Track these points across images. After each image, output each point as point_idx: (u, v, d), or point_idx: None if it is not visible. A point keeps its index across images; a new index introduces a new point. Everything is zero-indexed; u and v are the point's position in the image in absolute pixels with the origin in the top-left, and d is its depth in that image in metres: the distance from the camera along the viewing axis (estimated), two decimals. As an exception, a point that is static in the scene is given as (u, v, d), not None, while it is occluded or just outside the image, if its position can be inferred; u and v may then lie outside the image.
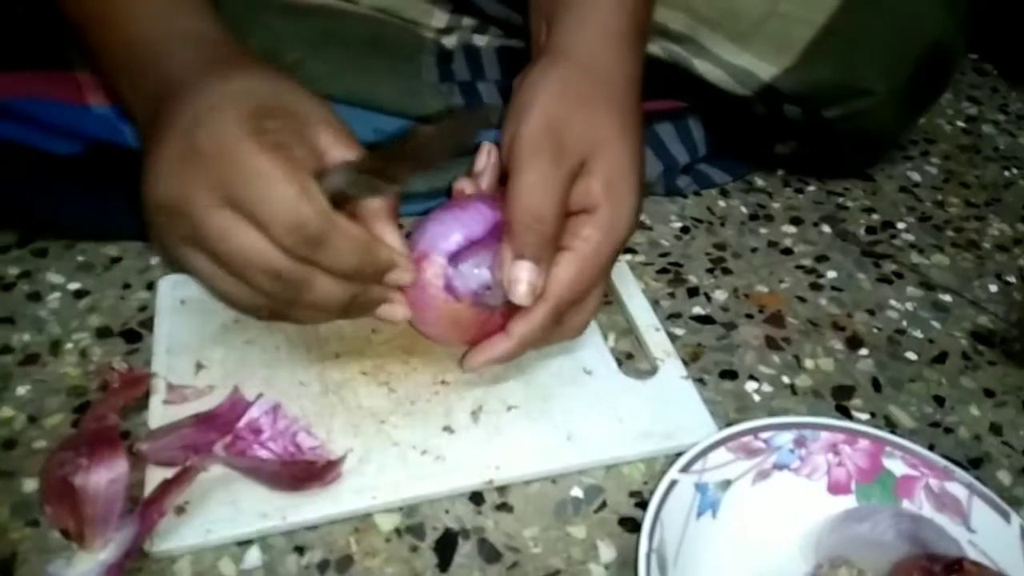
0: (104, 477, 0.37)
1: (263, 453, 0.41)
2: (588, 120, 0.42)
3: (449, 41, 0.62)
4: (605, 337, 0.52)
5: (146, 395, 0.45)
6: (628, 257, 0.59)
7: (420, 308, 0.43)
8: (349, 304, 0.40)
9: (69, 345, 0.49)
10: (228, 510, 0.40)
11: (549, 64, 0.44)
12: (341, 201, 0.38)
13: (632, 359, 0.51)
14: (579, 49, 0.44)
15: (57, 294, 0.52)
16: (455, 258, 0.42)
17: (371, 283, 0.41)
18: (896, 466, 0.41)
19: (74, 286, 0.53)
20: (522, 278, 0.40)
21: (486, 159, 0.46)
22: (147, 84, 0.41)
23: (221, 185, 0.35)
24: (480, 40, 0.63)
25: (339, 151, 0.39)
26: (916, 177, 0.72)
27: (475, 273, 0.42)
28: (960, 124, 0.80)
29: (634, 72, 0.46)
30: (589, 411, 0.46)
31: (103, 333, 0.50)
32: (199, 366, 0.47)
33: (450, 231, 0.43)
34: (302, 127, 0.39)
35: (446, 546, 0.41)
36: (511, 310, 0.42)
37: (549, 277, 0.41)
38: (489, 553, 0.40)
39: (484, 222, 0.43)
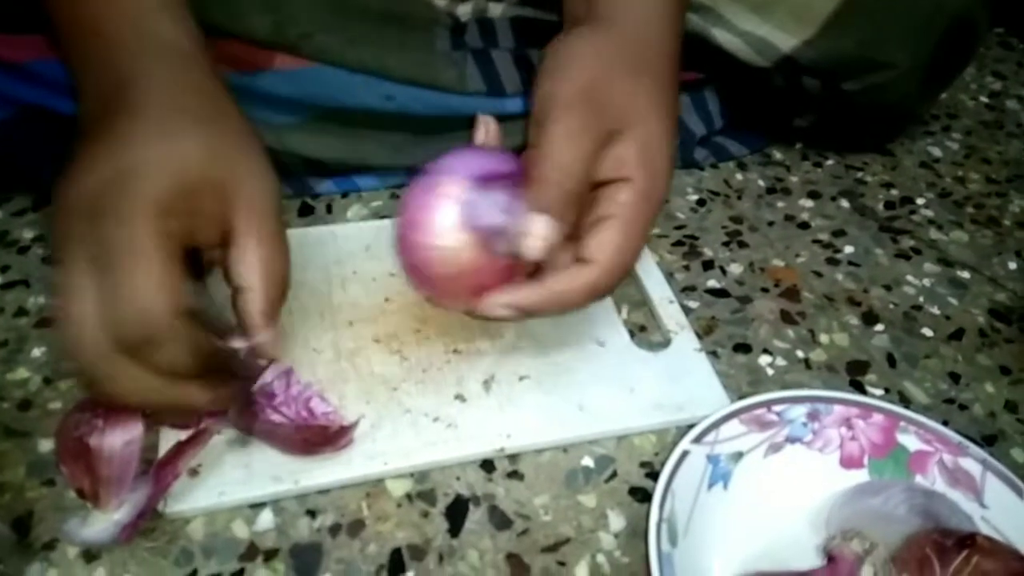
0: (119, 439, 0.37)
1: (276, 417, 0.41)
2: (628, 90, 0.41)
3: (463, 11, 0.61)
4: (618, 309, 0.51)
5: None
6: (643, 229, 0.58)
7: (424, 231, 0.40)
8: (153, 401, 0.37)
9: (84, 308, 0.49)
10: (241, 473, 0.40)
11: (591, 31, 0.43)
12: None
13: (645, 331, 0.51)
14: (625, 20, 0.43)
15: (72, 258, 0.53)
16: (473, 185, 0.39)
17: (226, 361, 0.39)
18: (910, 441, 0.41)
19: (89, 250, 0.53)
20: (538, 232, 0.38)
21: (484, 134, 0.46)
22: (104, 76, 0.39)
23: (96, 244, 0.33)
24: (495, 9, 0.62)
25: (250, 235, 0.37)
26: (937, 152, 0.70)
27: (489, 208, 0.39)
28: (983, 99, 0.79)
29: (674, 48, 0.45)
30: (601, 382, 0.46)
31: (117, 297, 0.50)
32: (213, 331, 0.47)
33: (473, 160, 0.41)
34: (221, 207, 0.36)
35: (457, 512, 0.41)
36: (510, 271, 0.40)
37: (595, 242, 0.40)
38: (500, 520, 0.41)
39: (507, 164, 0.41)
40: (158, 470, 0.38)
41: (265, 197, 0.38)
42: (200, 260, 0.39)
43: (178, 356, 0.35)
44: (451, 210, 0.39)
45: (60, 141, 0.52)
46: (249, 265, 0.37)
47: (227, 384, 0.39)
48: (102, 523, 0.36)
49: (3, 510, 0.39)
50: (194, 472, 0.40)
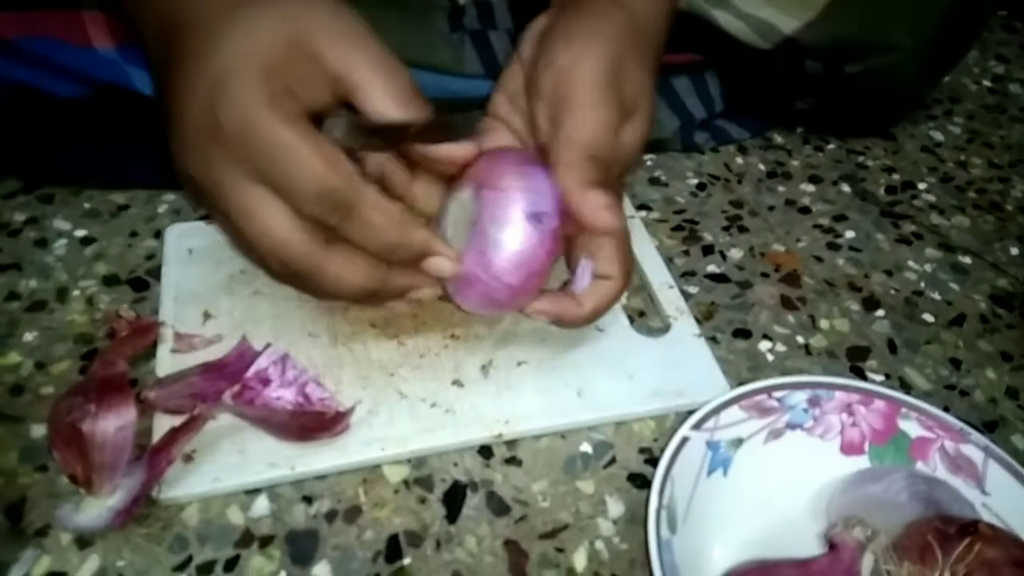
0: (112, 424, 0.37)
1: (272, 403, 0.41)
2: (640, 76, 0.42)
3: None
4: (617, 294, 0.51)
5: (154, 344, 0.44)
6: (643, 214, 0.58)
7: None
8: (372, 292, 0.39)
9: (76, 292, 0.49)
10: (236, 459, 0.40)
11: (606, 9, 0.42)
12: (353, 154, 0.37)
13: (644, 316, 0.50)
14: (634, 4, 0.43)
15: (64, 241, 0.52)
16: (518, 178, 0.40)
17: (404, 267, 0.39)
18: (911, 428, 0.41)
19: (81, 233, 0.53)
20: (605, 203, 0.38)
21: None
22: (160, 19, 0.39)
23: (246, 160, 0.34)
24: None
25: (360, 72, 0.37)
26: (939, 137, 0.70)
27: (539, 195, 0.39)
28: (986, 83, 0.78)
29: (664, 41, 0.46)
30: (600, 367, 0.46)
31: (110, 281, 0.50)
32: (207, 315, 0.46)
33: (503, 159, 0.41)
34: (313, 64, 0.36)
35: (454, 498, 0.40)
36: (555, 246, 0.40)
37: (606, 257, 0.42)
38: (497, 506, 0.40)
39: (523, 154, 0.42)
40: (152, 456, 0.38)
41: (352, 32, 0.37)
42: None
43: (372, 218, 0.36)
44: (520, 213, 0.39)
45: (50, 122, 0.52)
46: (382, 96, 0.36)
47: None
48: (95, 509, 0.36)
49: (-5, 496, 0.38)
50: (188, 458, 0.40)
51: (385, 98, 0.36)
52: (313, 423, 0.40)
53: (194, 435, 0.39)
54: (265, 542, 0.38)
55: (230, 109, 0.34)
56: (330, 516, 0.39)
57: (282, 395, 0.41)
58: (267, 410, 0.41)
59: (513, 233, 0.39)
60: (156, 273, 0.49)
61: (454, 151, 0.39)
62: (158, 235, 0.52)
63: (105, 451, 0.36)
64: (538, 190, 0.39)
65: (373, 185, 0.36)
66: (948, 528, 0.34)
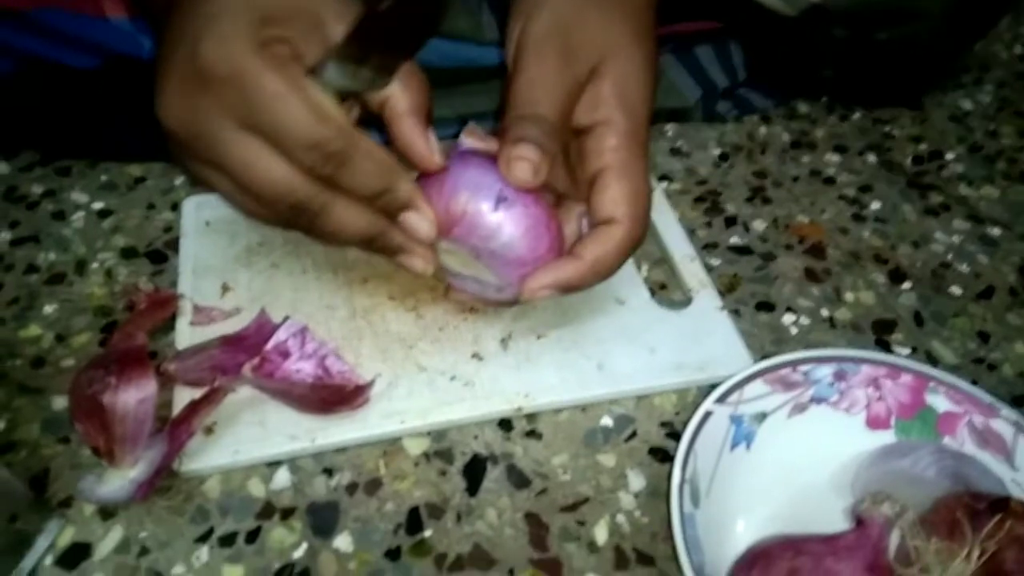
0: (133, 396, 0.37)
1: (292, 376, 0.41)
2: (600, 24, 0.39)
3: None
4: (638, 267, 0.50)
5: (173, 316, 0.44)
6: (664, 185, 0.57)
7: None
8: (370, 239, 0.38)
9: (95, 265, 0.49)
10: (256, 431, 0.40)
11: None
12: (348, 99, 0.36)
13: (666, 289, 0.50)
14: None
15: (81, 213, 0.52)
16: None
17: (390, 216, 0.38)
18: (939, 402, 0.40)
19: (98, 205, 0.52)
20: (524, 155, 0.36)
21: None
22: None
23: (234, 108, 0.33)
24: None
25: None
26: (968, 105, 0.68)
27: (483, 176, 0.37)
28: (1017, 50, 0.75)
29: None
30: (621, 341, 0.45)
31: (128, 253, 0.49)
32: (225, 288, 0.46)
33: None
34: (314, 26, 0.35)
35: (475, 471, 0.40)
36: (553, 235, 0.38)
37: (606, 199, 0.38)
38: (518, 479, 0.40)
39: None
40: (173, 428, 0.38)
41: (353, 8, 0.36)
42: None
43: (368, 168, 0.35)
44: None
45: (66, 94, 0.51)
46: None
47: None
48: (118, 481, 0.36)
49: (19, 467, 0.39)
50: (209, 430, 0.40)
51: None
52: (333, 396, 0.40)
53: (214, 407, 0.39)
54: (286, 514, 0.38)
55: (214, 54, 0.33)
56: (351, 488, 0.39)
57: (302, 368, 0.41)
58: (287, 383, 0.40)
59: (498, 235, 0.37)
60: (174, 245, 0.49)
61: (424, 161, 0.37)
62: (175, 207, 0.52)
63: (126, 423, 0.36)
64: (486, 183, 0.37)
65: (364, 133, 0.35)
66: (978, 504, 0.33)
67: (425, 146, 0.37)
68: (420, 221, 0.37)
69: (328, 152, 0.34)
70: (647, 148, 0.40)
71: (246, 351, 0.41)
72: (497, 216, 0.36)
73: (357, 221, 0.37)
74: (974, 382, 0.41)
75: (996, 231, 0.56)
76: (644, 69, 0.40)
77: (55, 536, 0.37)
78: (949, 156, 0.63)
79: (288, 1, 0.35)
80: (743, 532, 0.37)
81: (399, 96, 0.37)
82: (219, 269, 0.47)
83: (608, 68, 0.39)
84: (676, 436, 0.42)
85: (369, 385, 0.41)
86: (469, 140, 0.39)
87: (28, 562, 0.35)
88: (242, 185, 0.35)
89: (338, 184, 0.35)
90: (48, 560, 0.36)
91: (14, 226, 0.51)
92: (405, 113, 0.37)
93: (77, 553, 0.36)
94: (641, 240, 0.40)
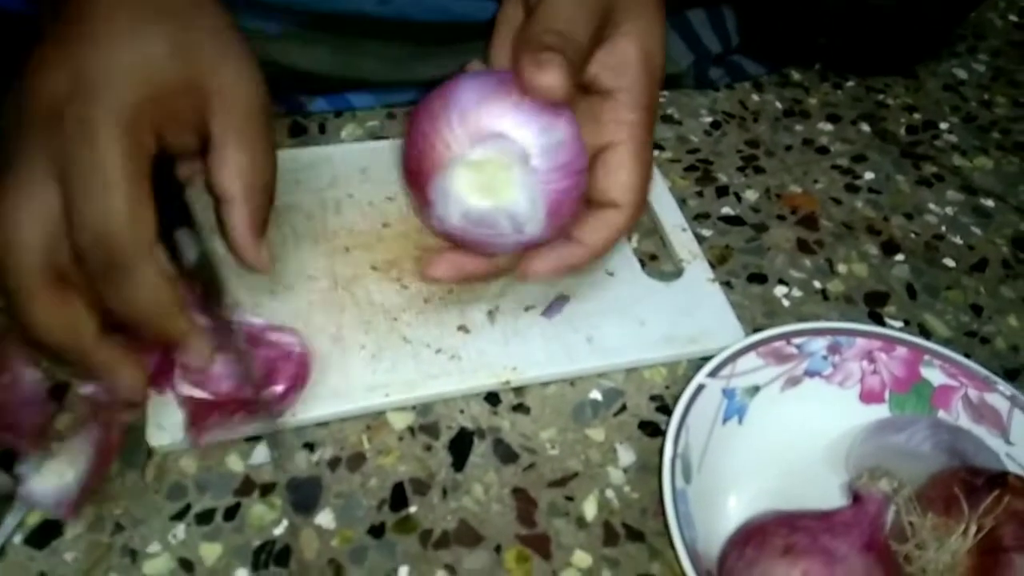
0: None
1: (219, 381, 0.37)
2: None
3: None
4: (628, 237, 0.49)
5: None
6: (655, 153, 0.56)
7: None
8: (70, 346, 0.33)
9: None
10: (235, 405, 0.38)
11: None
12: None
13: (656, 260, 0.49)
14: None
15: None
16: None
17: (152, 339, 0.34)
18: (934, 375, 0.39)
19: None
20: (549, 59, 0.32)
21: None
22: None
23: (58, 151, 0.30)
24: None
25: (229, 139, 0.34)
26: (962, 75, 0.67)
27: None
28: (1012, 18, 0.74)
29: None
30: (610, 313, 0.44)
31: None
32: (202, 257, 0.44)
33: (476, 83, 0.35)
34: (198, 111, 0.33)
35: (461, 446, 0.39)
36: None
37: (615, 183, 0.37)
38: (505, 453, 0.39)
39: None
40: (101, 442, 0.35)
41: (247, 97, 0.34)
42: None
43: (139, 292, 0.31)
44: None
45: (9, 42, 0.48)
46: (228, 172, 0.34)
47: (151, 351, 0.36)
48: (53, 479, 0.34)
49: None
50: (185, 404, 0.38)
51: (238, 211, 0.34)
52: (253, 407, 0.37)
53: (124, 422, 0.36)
54: (266, 490, 0.37)
55: (83, 106, 0.30)
56: (333, 463, 0.38)
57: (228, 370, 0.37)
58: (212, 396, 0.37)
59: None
60: (148, 213, 0.47)
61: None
62: (149, 173, 0.50)
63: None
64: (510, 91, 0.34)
65: (158, 265, 0.32)
66: (975, 480, 0.33)
67: (256, 256, 0.35)
68: (198, 355, 0.35)
69: (113, 255, 0.31)
70: (654, 127, 0.38)
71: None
72: (552, 115, 0.34)
73: (59, 326, 0.32)
74: (967, 355, 0.40)
75: (990, 202, 0.55)
76: (663, 30, 0.38)
77: (25, 514, 0.35)
78: (943, 126, 0.62)
79: (179, 77, 0.32)
80: (735, 508, 0.37)
81: (236, 204, 0.34)
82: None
83: (634, 26, 0.36)
84: (666, 410, 0.41)
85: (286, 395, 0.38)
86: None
87: (-4, 541, 0.34)
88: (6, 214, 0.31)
89: (104, 294, 0.32)
90: (17, 539, 0.35)
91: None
92: (240, 223, 0.35)
93: (47, 531, 0.35)
94: (637, 219, 0.39)
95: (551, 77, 0.32)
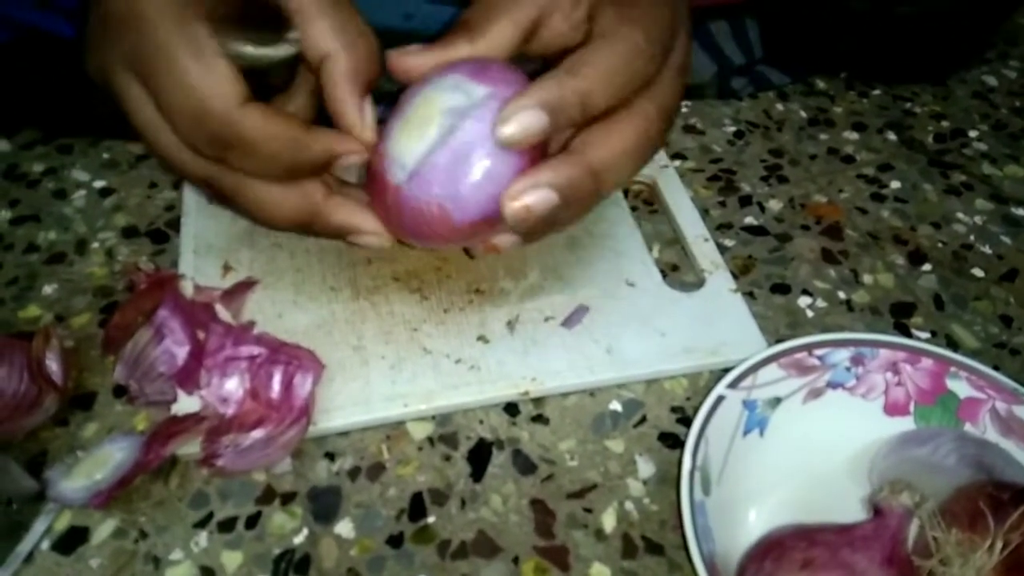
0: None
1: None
2: None
3: None
4: (649, 248, 0.49)
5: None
6: (677, 163, 0.55)
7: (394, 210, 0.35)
8: (303, 225, 0.34)
9: (95, 244, 0.48)
10: (257, 414, 0.39)
11: None
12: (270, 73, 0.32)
13: (678, 271, 0.48)
14: None
15: (82, 192, 0.51)
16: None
17: (317, 175, 0.34)
18: (960, 388, 0.39)
19: (99, 184, 0.52)
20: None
21: None
22: None
23: (127, 55, 0.30)
24: None
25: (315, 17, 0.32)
26: (992, 82, 0.66)
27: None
28: (1044, 24, 0.73)
29: None
30: (630, 324, 0.44)
31: (129, 233, 0.49)
32: (227, 268, 0.45)
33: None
34: None
35: (480, 456, 0.39)
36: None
37: (577, 71, 0.32)
38: (524, 464, 0.39)
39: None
40: (149, 442, 0.36)
41: None
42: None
43: (257, 153, 0.31)
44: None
45: (65, 67, 0.50)
46: (324, 29, 0.32)
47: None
48: (82, 480, 0.35)
49: (16, 450, 0.38)
50: (209, 413, 0.39)
51: (347, 64, 0.33)
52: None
53: (193, 437, 0.37)
54: (287, 499, 0.37)
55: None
56: (353, 473, 0.38)
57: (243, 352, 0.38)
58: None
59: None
60: (175, 225, 0.48)
61: (354, 133, 0.33)
62: (177, 186, 0.51)
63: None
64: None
65: (257, 107, 0.31)
66: (1001, 494, 0.32)
67: (357, 116, 0.33)
68: (351, 155, 0.33)
69: (211, 133, 0.30)
70: (669, 44, 0.34)
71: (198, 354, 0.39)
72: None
73: (279, 206, 0.33)
74: (996, 367, 0.39)
75: (1020, 211, 0.54)
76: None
77: (52, 521, 0.36)
78: (972, 134, 0.61)
79: None
80: (755, 521, 0.36)
81: (337, 58, 0.33)
82: (221, 249, 0.46)
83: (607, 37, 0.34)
84: (687, 422, 0.41)
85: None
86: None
87: (24, 547, 0.35)
88: (150, 151, 0.32)
89: (238, 167, 0.31)
90: (45, 545, 0.35)
91: (14, 205, 0.50)
92: (340, 78, 0.33)
93: (74, 538, 0.36)
94: (662, 140, 0.34)
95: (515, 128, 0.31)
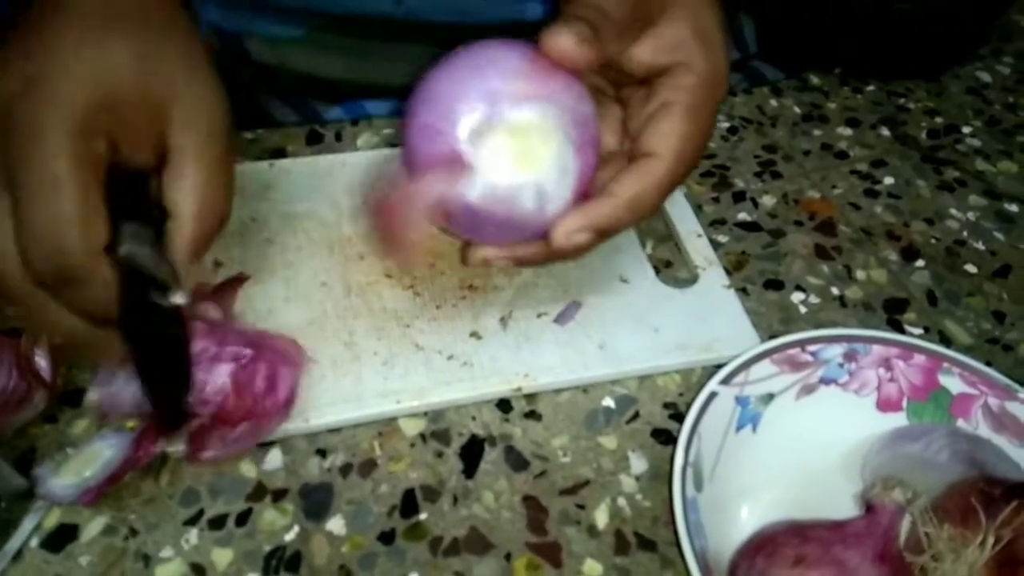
0: None
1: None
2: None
3: None
4: (643, 244, 0.49)
5: (164, 292, 0.43)
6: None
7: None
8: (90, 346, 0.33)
9: (85, 240, 0.47)
10: (248, 411, 0.39)
11: None
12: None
13: (671, 267, 0.48)
14: None
15: (72, 188, 0.50)
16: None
17: None
18: (953, 384, 0.39)
19: (89, 180, 0.51)
20: (573, 24, 0.31)
21: None
22: None
23: (8, 161, 0.29)
24: None
25: (186, 156, 0.32)
26: (986, 78, 0.66)
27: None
28: (1038, 20, 0.73)
29: None
30: (624, 320, 0.44)
31: (120, 228, 0.48)
32: (217, 264, 0.45)
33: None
34: (155, 124, 0.32)
35: (472, 453, 0.39)
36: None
37: (656, 133, 0.34)
38: (516, 461, 0.39)
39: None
40: (138, 440, 0.35)
41: (207, 114, 0.33)
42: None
43: (96, 299, 0.30)
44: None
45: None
46: (180, 189, 0.32)
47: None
48: (71, 478, 0.34)
49: (5, 447, 0.38)
50: (199, 410, 0.38)
51: (185, 230, 0.32)
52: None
53: (184, 435, 0.36)
54: (278, 496, 0.37)
55: (32, 106, 0.29)
56: (344, 470, 0.38)
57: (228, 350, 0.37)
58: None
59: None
60: (166, 220, 0.48)
61: None
62: (168, 181, 0.51)
63: None
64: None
65: (108, 276, 0.30)
66: (993, 490, 0.32)
67: (183, 278, 0.32)
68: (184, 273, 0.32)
69: (63, 271, 0.29)
70: (722, 99, 0.36)
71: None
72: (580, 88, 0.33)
73: (72, 329, 0.32)
74: (988, 363, 0.39)
75: (1013, 207, 0.54)
76: (719, 21, 0.36)
77: (41, 518, 0.36)
78: (966, 130, 0.61)
79: (137, 87, 0.31)
80: (747, 517, 0.36)
81: (183, 224, 0.32)
82: (212, 245, 0.46)
83: (679, 9, 0.35)
84: (680, 418, 0.41)
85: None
86: None
87: (13, 544, 0.35)
88: None
89: (60, 297, 0.31)
90: (34, 542, 0.35)
91: None
92: (183, 242, 0.32)
93: (63, 535, 0.35)
94: (676, 186, 0.36)
95: (567, 40, 0.32)
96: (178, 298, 0.31)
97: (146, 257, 0.31)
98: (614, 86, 0.39)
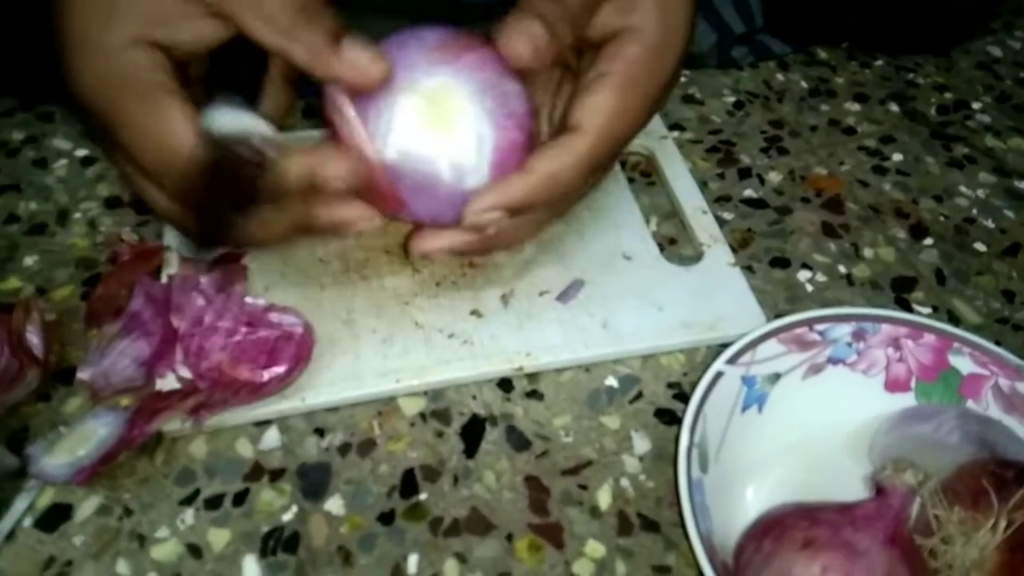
0: None
1: (214, 350, 0.37)
2: None
3: None
4: (647, 220, 0.48)
5: (158, 269, 0.42)
6: (675, 134, 0.54)
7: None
8: (298, 233, 0.34)
9: (77, 215, 0.46)
10: (244, 390, 0.38)
11: None
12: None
13: (675, 244, 0.47)
14: None
15: (64, 161, 0.50)
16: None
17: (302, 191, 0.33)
18: (963, 364, 0.38)
19: (81, 153, 0.50)
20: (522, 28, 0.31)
21: None
22: None
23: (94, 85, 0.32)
24: None
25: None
26: (996, 52, 0.65)
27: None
28: (1050, -6, 0.72)
29: None
30: (627, 298, 0.43)
31: (112, 203, 0.47)
32: (213, 240, 0.44)
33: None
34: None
35: (473, 432, 0.39)
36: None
37: (585, 105, 0.33)
38: (518, 441, 0.38)
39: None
40: (133, 419, 0.35)
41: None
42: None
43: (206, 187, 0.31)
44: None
45: (44, 33, 0.48)
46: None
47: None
48: (65, 456, 0.34)
49: (-2, 427, 0.37)
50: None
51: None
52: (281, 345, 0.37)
53: (176, 415, 0.36)
54: (276, 475, 0.37)
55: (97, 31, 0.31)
56: (343, 449, 0.38)
57: (225, 324, 0.37)
58: (228, 348, 0.37)
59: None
60: (160, 195, 0.47)
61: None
62: (162, 155, 0.50)
63: None
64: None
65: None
66: (1005, 472, 0.31)
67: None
68: (336, 170, 0.32)
69: (170, 178, 0.31)
70: (671, 78, 0.35)
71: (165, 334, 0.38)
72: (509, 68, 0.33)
73: (270, 227, 0.33)
74: (998, 343, 0.39)
75: (1023, 185, 0.53)
76: None
77: (34, 498, 0.35)
78: (975, 106, 0.59)
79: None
80: (753, 499, 0.36)
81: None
82: (207, 220, 0.45)
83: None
84: (684, 397, 0.40)
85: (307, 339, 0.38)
86: None
87: (6, 524, 0.34)
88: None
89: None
90: (27, 522, 0.35)
91: (-6, 174, 0.49)
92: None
93: (57, 515, 0.35)
94: (601, 164, 0.35)
95: (522, 46, 0.32)
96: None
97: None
98: (576, 54, 0.37)
